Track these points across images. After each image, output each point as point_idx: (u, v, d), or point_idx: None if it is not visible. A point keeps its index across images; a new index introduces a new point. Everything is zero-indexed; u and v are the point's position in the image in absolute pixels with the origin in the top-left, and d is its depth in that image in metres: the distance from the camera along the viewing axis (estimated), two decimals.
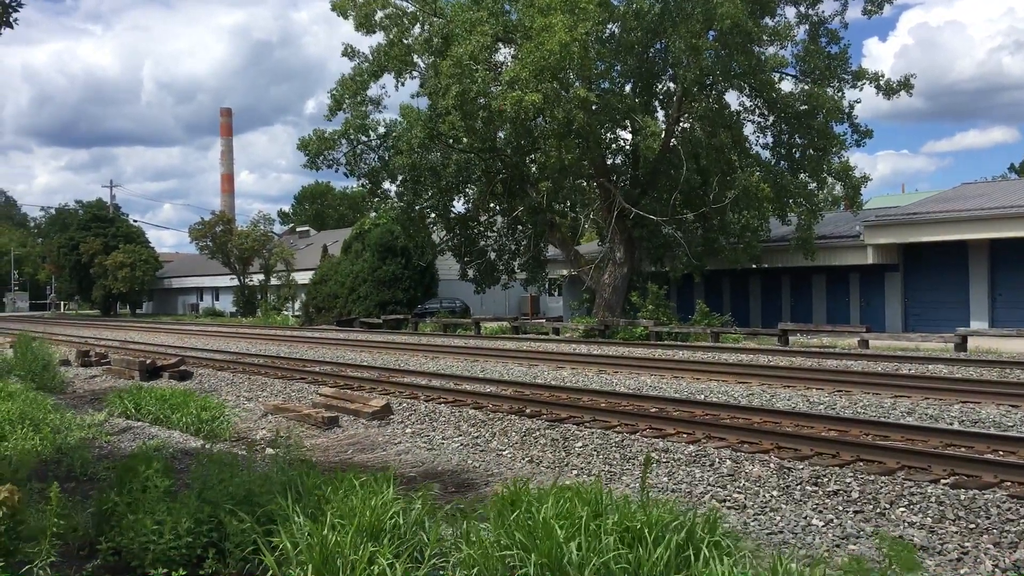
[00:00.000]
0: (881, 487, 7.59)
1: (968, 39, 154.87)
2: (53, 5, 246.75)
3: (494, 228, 36.51)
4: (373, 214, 43.59)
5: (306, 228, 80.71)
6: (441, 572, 4.80)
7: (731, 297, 34.62)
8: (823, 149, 29.58)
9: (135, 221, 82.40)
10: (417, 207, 33.71)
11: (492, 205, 34.76)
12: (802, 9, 29.87)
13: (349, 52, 31.67)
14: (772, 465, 8.46)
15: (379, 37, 31.09)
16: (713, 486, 8.30)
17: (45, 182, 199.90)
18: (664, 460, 9.10)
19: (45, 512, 5.04)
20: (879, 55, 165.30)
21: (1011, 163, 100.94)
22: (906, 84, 28.91)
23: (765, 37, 28.13)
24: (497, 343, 27.00)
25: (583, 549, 4.48)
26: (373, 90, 31.72)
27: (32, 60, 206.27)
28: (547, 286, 44.61)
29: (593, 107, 26.69)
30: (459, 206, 35.79)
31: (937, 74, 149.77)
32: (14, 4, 7.43)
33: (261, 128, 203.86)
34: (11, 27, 7.86)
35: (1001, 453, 8.50)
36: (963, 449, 8.73)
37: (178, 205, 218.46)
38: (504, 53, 30.20)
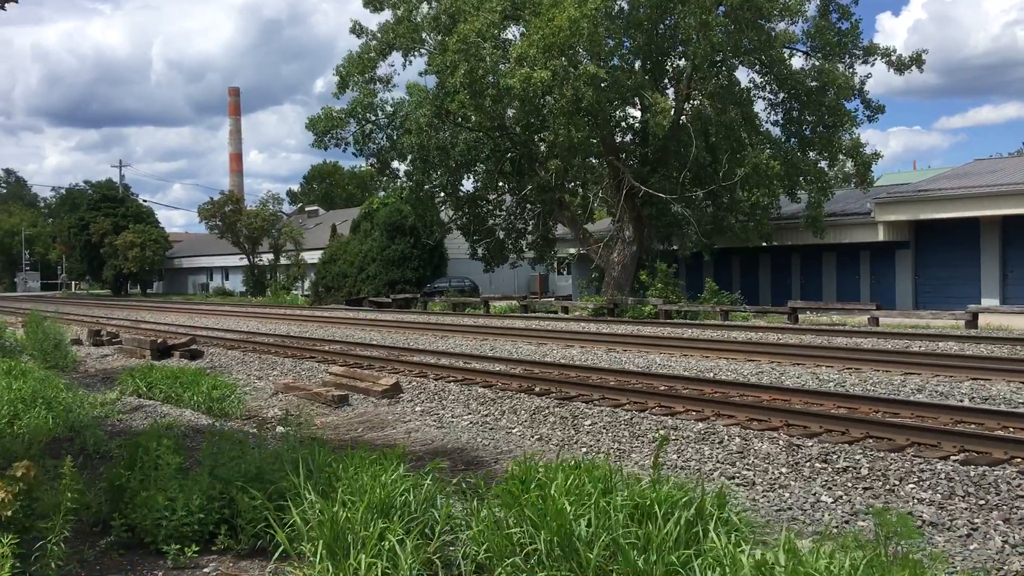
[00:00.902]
0: (891, 464, 7.59)
1: (983, 13, 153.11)
2: None
3: (503, 207, 36.45)
4: (382, 193, 43.57)
5: (315, 208, 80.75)
6: (451, 549, 4.83)
7: (741, 275, 34.55)
8: (833, 126, 29.39)
9: (145, 201, 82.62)
10: (426, 186, 33.65)
11: (501, 184, 34.66)
12: None
13: (357, 29, 31.53)
14: (781, 442, 8.46)
15: (387, 15, 30.97)
16: (722, 463, 8.32)
17: (56, 162, 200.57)
18: (673, 437, 9.12)
19: (58, 489, 5.08)
20: (892, 30, 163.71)
21: None
22: (917, 60, 28.66)
23: (776, 13, 27.87)
24: (506, 322, 27.03)
25: (593, 526, 4.49)
26: (382, 68, 31.61)
27: (42, 40, 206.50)
28: (556, 265, 44.58)
29: (602, 84, 26.53)
30: (468, 185, 35.75)
31: (951, 49, 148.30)
32: None
33: (271, 107, 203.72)
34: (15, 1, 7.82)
35: (1012, 430, 8.49)
36: (973, 426, 8.72)
37: (188, 185, 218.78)
38: (512, 31, 30.04)
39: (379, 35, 31.05)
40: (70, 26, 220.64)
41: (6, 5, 7.46)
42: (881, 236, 28.96)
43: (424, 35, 30.57)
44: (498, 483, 5.25)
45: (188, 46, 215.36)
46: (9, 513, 4.76)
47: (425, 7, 30.56)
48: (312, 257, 54.09)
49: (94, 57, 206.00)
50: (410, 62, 31.75)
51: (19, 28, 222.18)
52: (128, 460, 6.21)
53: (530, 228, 36.07)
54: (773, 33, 28.35)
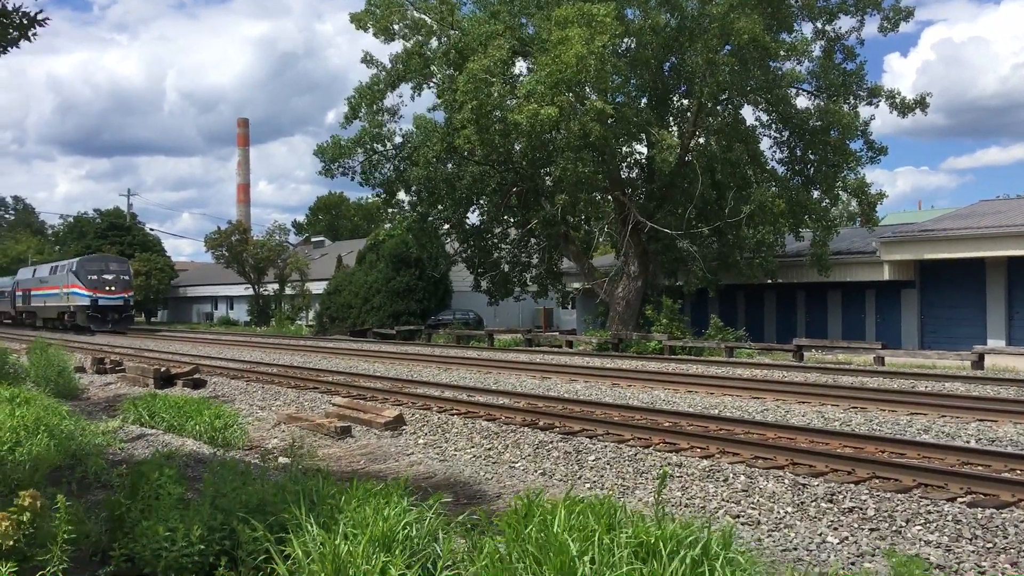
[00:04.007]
0: (897, 505, 7.52)
1: (992, 55, 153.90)
2: (80, 15, 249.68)
3: (508, 240, 36.54)
4: (388, 225, 43.73)
5: (321, 238, 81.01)
6: None
7: (746, 312, 34.50)
8: (837, 165, 29.52)
9: (152, 230, 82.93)
10: (431, 218, 33.79)
11: (506, 217, 34.78)
12: (819, 25, 29.87)
13: (368, 59, 31.87)
14: (787, 481, 8.40)
15: (397, 46, 31.32)
16: (727, 501, 8.25)
17: (66, 190, 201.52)
18: (677, 475, 9.05)
19: (57, 517, 5.05)
20: (900, 71, 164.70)
21: None
22: (921, 102, 28.80)
23: (782, 52, 28.13)
24: (510, 355, 26.98)
25: (596, 563, 4.45)
26: (390, 99, 31.90)
27: (57, 69, 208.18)
28: (561, 299, 44.60)
29: (609, 120, 26.72)
30: (473, 218, 35.87)
31: (960, 90, 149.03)
32: (39, 19, 7.49)
33: (281, 139, 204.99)
34: (29, 40, 7.88)
35: (1019, 472, 8.42)
36: (980, 468, 8.65)
37: (196, 214, 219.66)
38: (520, 66, 30.34)
39: (389, 66, 31.39)
40: (85, 56, 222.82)
41: (20, 41, 7.52)
42: (886, 275, 28.95)
43: (434, 68, 30.88)
44: (501, 518, 5.21)
45: (202, 77, 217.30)
46: (11, 543, 4.73)
47: (435, 42, 30.91)
48: (317, 288, 54.16)
49: (108, 87, 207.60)
50: (419, 94, 32.07)
51: (34, 57, 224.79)
52: (129, 489, 6.18)
53: (535, 262, 36.12)
54: (779, 72, 28.58)
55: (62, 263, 51.70)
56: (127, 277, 49.12)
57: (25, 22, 7.34)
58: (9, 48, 7.49)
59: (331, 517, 5.30)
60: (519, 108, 25.27)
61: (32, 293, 55.09)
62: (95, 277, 47.34)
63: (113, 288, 47.57)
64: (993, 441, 10.56)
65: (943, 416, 12.44)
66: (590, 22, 24.77)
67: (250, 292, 61.84)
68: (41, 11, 7.41)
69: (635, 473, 9.42)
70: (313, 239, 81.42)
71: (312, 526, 5.08)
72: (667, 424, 11.62)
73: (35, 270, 56.67)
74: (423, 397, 15.17)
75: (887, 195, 35.53)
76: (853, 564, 6.53)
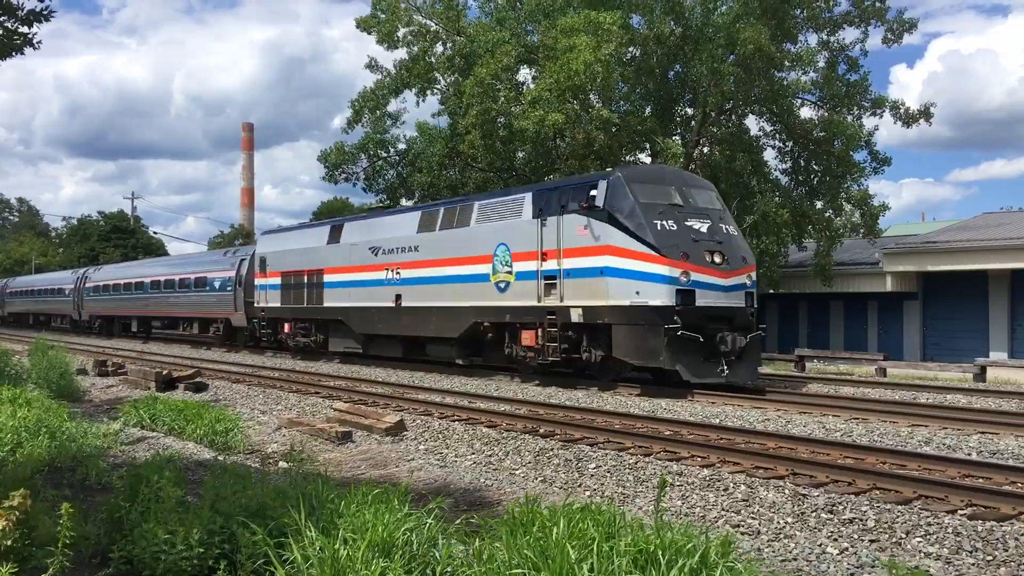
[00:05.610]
0: (897, 516, 7.51)
1: (1000, 68, 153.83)
2: (89, 18, 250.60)
3: None
4: None
5: None
6: None
7: None
8: (841, 176, 29.53)
9: (156, 233, 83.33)
10: None
11: None
12: (823, 36, 29.93)
13: (373, 65, 31.96)
14: (787, 491, 8.38)
15: (402, 53, 31.40)
16: (727, 511, 8.23)
17: (71, 192, 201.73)
18: (678, 483, 9.04)
19: (58, 520, 5.06)
20: (906, 82, 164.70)
21: None
22: (926, 113, 28.79)
23: (787, 63, 28.17)
24: None
25: (595, 571, 4.45)
26: (393, 105, 31.97)
27: (65, 72, 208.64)
28: None
29: (614, 128, 26.76)
30: None
31: (966, 102, 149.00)
32: (45, 12, 7.48)
33: (286, 143, 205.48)
34: (34, 47, 7.83)
35: (1020, 485, 8.39)
36: (981, 480, 8.63)
37: (200, 218, 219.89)
38: (525, 73, 30.42)
39: (393, 72, 31.46)
40: (94, 59, 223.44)
41: (24, 49, 7.50)
42: (889, 287, 28.93)
43: (437, 75, 30.94)
44: (500, 524, 5.21)
45: (209, 81, 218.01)
46: (9, 543, 4.74)
47: (439, 48, 31.00)
48: None
49: (116, 90, 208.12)
50: (423, 100, 32.19)
51: (42, 59, 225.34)
52: (129, 492, 6.19)
53: None
54: (784, 82, 28.62)
55: (524, 191, 19.51)
56: (735, 231, 18.14)
57: (30, 18, 7.34)
58: (13, 54, 7.50)
59: (331, 522, 5.30)
60: (525, 114, 25.31)
61: (330, 279, 24.98)
62: (672, 226, 16.35)
63: (721, 260, 16.78)
64: (994, 453, 10.53)
65: (944, 428, 12.41)
66: (596, 30, 24.83)
67: None
68: (47, 8, 7.40)
69: (635, 481, 9.41)
70: None
71: (312, 531, 5.08)
72: (668, 433, 11.60)
73: (339, 226, 25.56)
74: (424, 403, 15.16)
75: (889, 207, 35.66)
76: (852, 575, 6.51)
